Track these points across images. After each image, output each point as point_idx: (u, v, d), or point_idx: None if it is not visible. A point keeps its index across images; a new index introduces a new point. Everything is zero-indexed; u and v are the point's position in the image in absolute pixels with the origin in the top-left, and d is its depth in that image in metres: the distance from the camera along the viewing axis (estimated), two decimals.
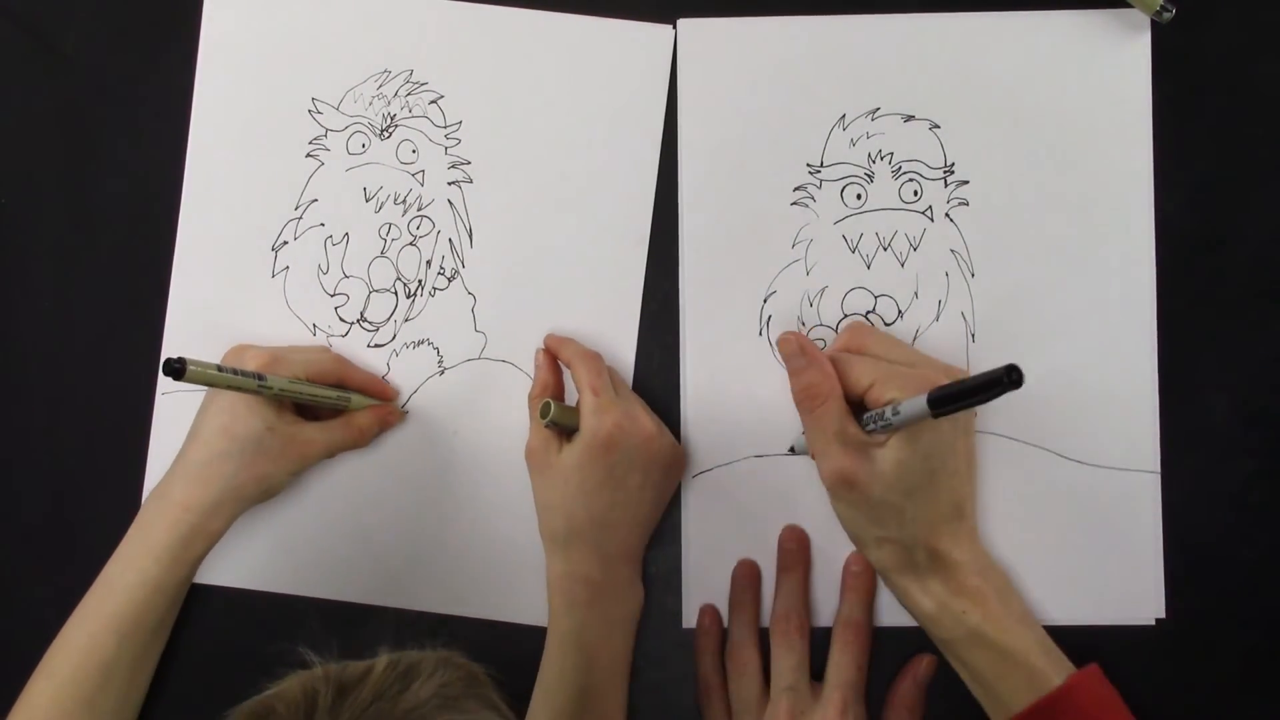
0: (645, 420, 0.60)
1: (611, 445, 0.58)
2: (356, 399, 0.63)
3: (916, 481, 0.54)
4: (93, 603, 0.59)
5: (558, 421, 0.59)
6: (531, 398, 0.63)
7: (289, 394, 0.59)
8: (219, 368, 0.55)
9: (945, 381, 0.52)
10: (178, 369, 0.52)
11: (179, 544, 0.58)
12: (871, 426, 0.55)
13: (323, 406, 0.62)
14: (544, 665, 0.60)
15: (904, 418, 0.53)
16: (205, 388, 0.60)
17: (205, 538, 0.59)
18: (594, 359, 0.61)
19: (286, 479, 0.61)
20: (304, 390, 0.60)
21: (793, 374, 0.59)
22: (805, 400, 0.57)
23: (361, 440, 0.63)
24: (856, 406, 0.57)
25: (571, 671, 0.58)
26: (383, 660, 0.44)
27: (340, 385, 0.62)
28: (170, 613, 0.61)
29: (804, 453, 0.61)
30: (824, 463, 0.56)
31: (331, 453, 0.62)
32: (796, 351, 0.59)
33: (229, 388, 0.56)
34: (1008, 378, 0.46)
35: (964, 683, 0.57)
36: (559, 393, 0.63)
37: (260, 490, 0.60)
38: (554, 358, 0.63)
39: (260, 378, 0.57)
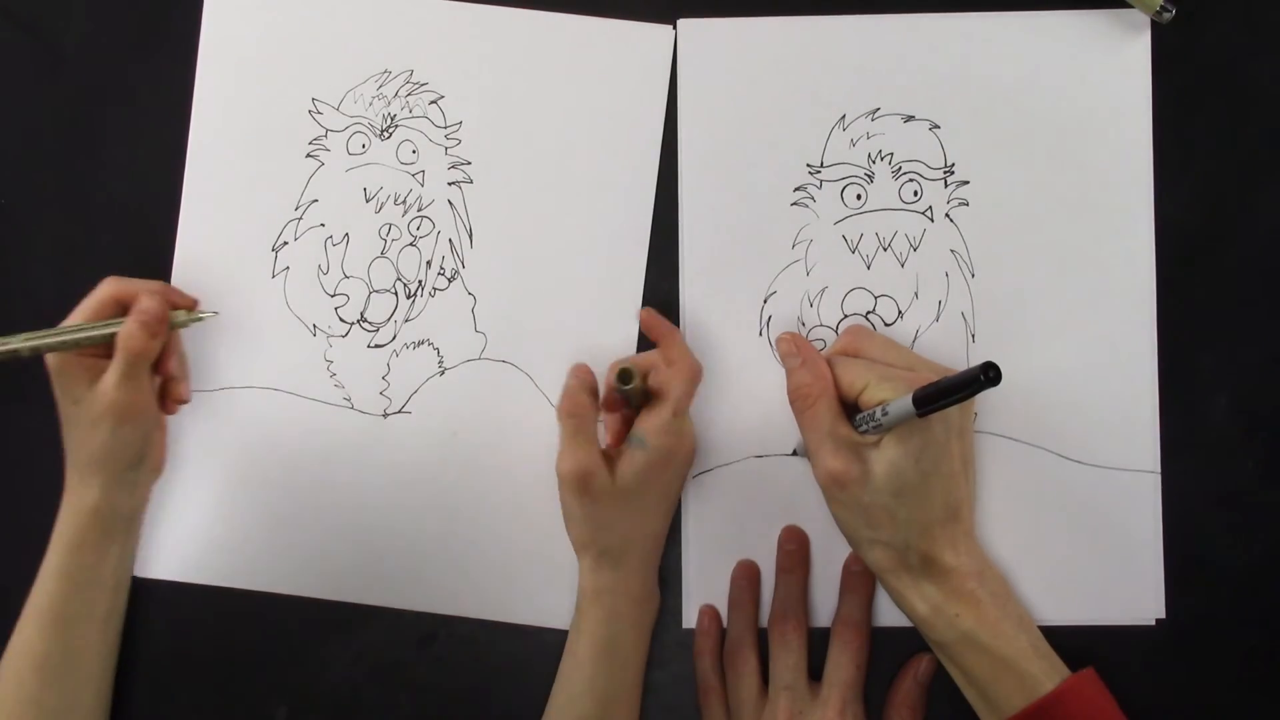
0: (691, 437, 0.60)
1: (669, 462, 0.58)
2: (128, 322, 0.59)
3: (908, 483, 0.54)
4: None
5: (628, 393, 0.56)
6: (564, 414, 0.58)
7: (41, 347, 0.58)
8: None
9: None
10: None
11: (69, 528, 0.60)
12: (864, 427, 0.55)
13: (98, 342, 0.59)
14: (570, 671, 0.59)
15: (893, 418, 0.53)
16: None
17: (90, 516, 0.59)
18: (695, 379, 0.60)
19: (124, 436, 0.58)
20: (59, 337, 0.58)
21: (788, 374, 0.59)
22: (797, 401, 0.58)
23: (134, 349, 0.58)
24: (854, 409, 0.57)
25: (603, 680, 0.58)
26: None
27: (123, 308, 0.60)
28: (97, 602, 0.60)
29: (805, 455, 0.61)
30: (817, 463, 0.56)
31: (126, 387, 0.58)
32: (792, 352, 0.59)
33: None
34: (985, 375, 0.47)
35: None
36: (592, 423, 0.59)
37: (108, 457, 0.59)
38: (590, 378, 0.60)
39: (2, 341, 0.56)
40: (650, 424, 0.58)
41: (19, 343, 0.57)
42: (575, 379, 0.60)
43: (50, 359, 0.59)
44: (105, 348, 0.59)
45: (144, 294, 0.60)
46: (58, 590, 0.59)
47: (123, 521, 0.61)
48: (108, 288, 0.61)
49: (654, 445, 0.57)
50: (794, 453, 0.62)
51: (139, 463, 0.61)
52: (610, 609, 0.59)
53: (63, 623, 0.59)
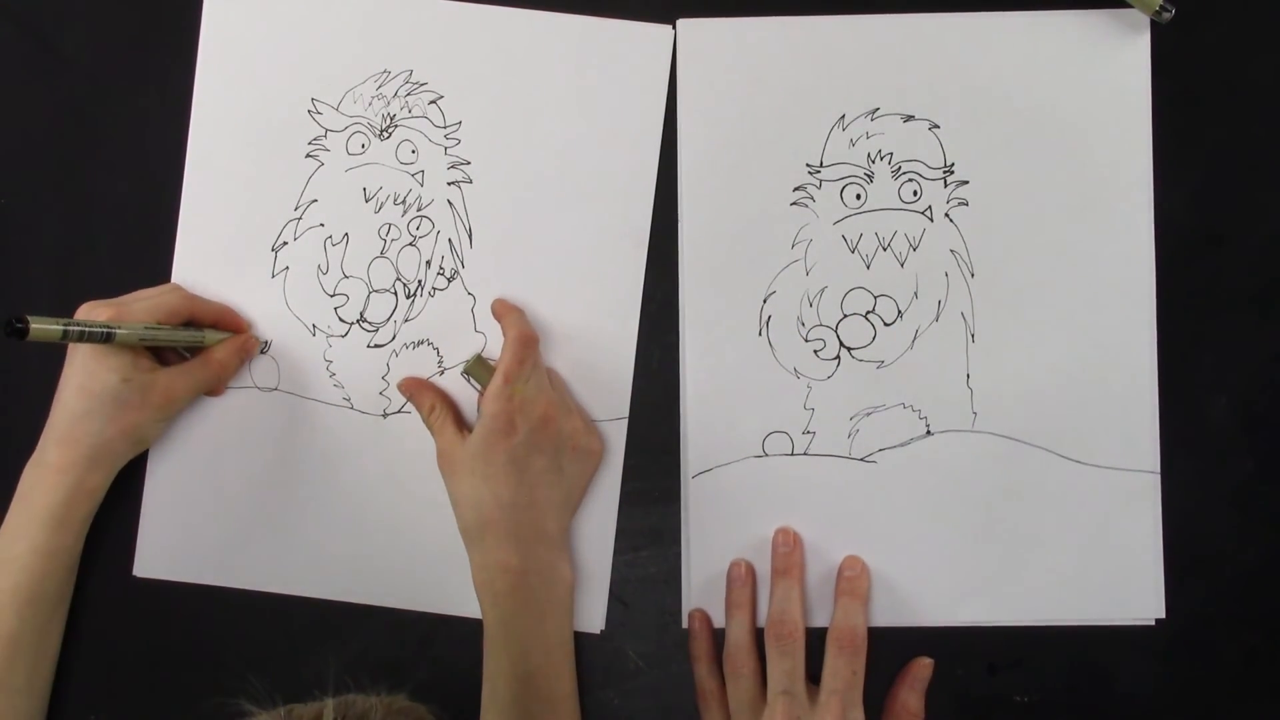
0: (545, 404, 0.60)
1: (510, 429, 0.58)
2: (210, 335, 0.63)
3: None
4: None
5: (474, 376, 0.62)
6: (426, 412, 0.63)
7: (140, 341, 0.59)
8: (65, 328, 0.55)
9: None
10: (20, 329, 0.52)
11: (61, 507, 0.59)
12: None
13: (178, 348, 0.62)
14: (484, 658, 0.60)
15: None
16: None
17: (86, 496, 0.60)
18: (523, 345, 0.60)
19: (156, 427, 0.62)
20: (156, 335, 0.60)
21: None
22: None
23: (224, 375, 0.64)
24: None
25: (507, 661, 0.58)
26: (329, 708, 0.45)
27: (192, 321, 0.63)
28: (67, 581, 0.62)
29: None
30: None
31: (197, 394, 0.63)
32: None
33: (79, 341, 0.57)
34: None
35: (962, 685, 0.57)
36: (456, 412, 0.63)
37: (132, 441, 0.61)
38: (426, 386, 0.64)
39: (108, 330, 0.57)
40: (485, 395, 0.60)
41: (122, 333, 0.58)
42: (433, 393, 0.63)
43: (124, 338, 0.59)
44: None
45: (251, 339, 0.65)
46: (38, 568, 0.59)
47: (97, 501, 0.62)
48: (179, 300, 0.62)
49: (485, 412, 0.59)
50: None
51: (141, 448, 0.62)
52: (491, 590, 0.59)
53: (41, 601, 0.59)
